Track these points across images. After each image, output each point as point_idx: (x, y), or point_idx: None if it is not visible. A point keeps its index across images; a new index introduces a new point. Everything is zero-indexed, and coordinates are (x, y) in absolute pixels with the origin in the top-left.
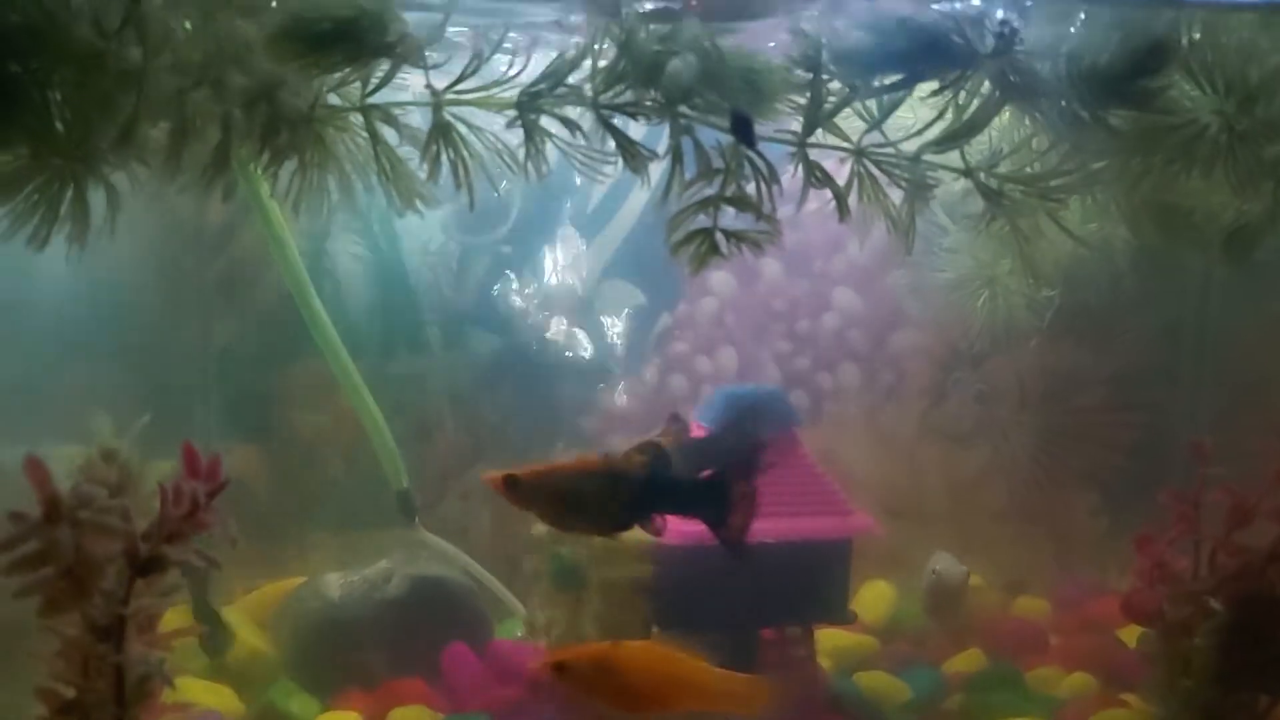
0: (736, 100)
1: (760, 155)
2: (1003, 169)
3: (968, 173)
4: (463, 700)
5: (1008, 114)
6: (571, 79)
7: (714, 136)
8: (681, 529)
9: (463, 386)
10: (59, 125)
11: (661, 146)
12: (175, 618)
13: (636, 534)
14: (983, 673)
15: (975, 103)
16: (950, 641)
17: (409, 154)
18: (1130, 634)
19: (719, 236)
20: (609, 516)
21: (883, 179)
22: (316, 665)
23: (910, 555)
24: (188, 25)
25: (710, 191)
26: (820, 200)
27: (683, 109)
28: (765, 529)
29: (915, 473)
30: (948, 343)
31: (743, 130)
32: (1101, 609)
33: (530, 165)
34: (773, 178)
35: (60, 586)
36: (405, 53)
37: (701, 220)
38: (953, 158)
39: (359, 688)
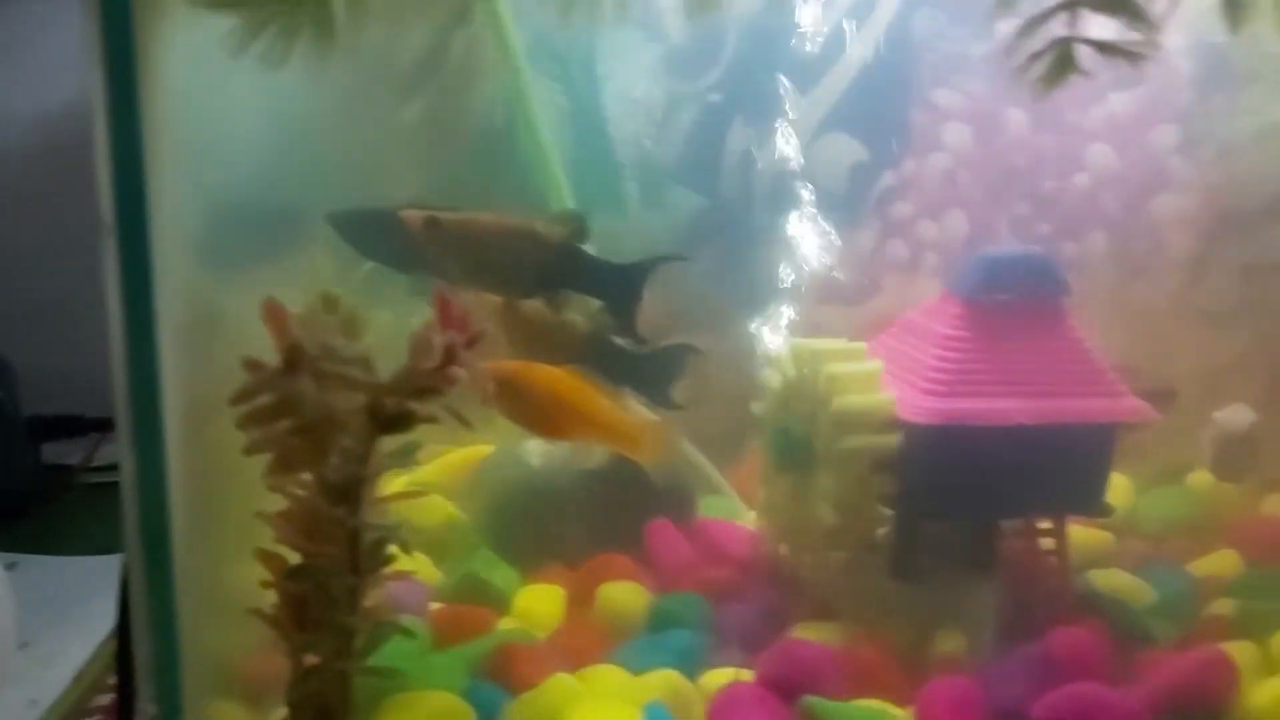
0: None
1: None
2: None
3: None
4: (672, 579)
5: None
6: None
7: None
8: (930, 407)
9: (663, 247)
10: None
11: None
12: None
13: (875, 406)
14: (1249, 577)
15: None
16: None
17: None
18: None
19: (1079, 47)
20: (518, 280)
21: None
22: (517, 536)
23: (1153, 447)
24: None
25: None
26: None
27: None
28: (1025, 409)
29: (1167, 354)
30: (1215, 208)
31: None
32: None
33: None
34: None
35: (296, 443)
36: None
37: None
38: None
39: (560, 561)
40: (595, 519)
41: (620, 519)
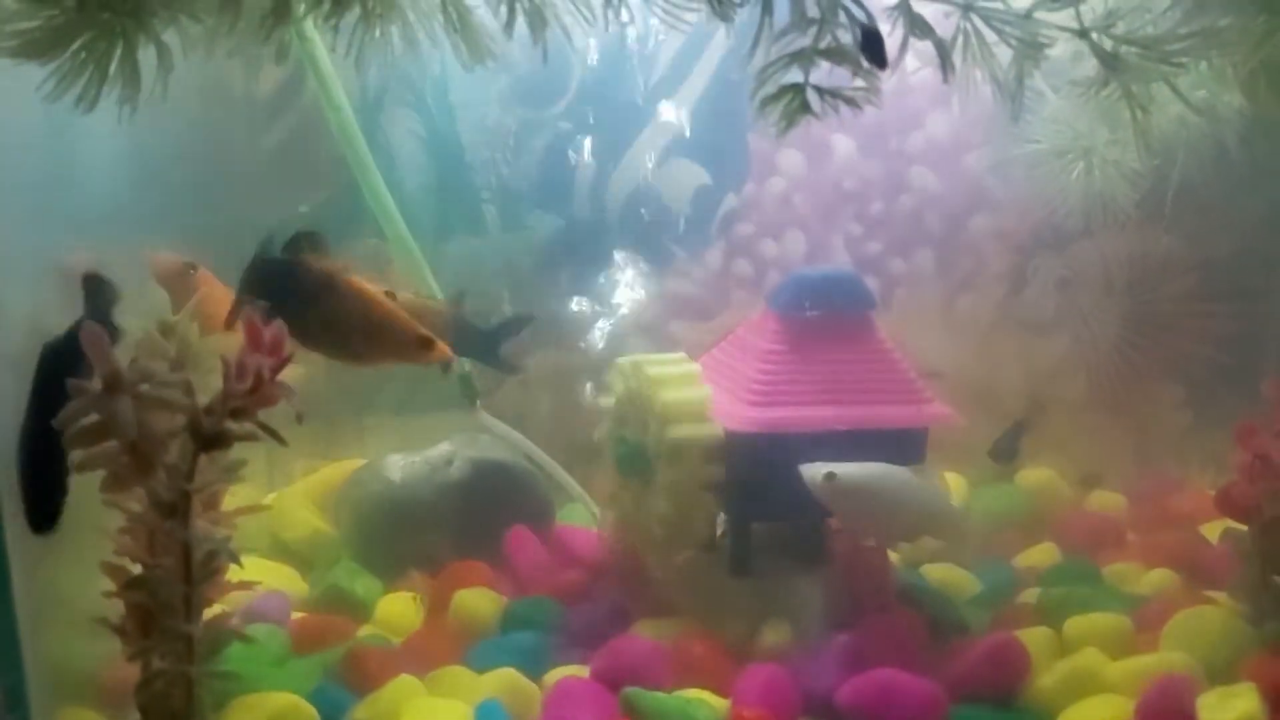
0: None
1: (867, 15)
2: (1119, 30)
3: (1083, 33)
4: (526, 584)
5: None
6: None
7: None
8: (752, 417)
9: (520, 268)
10: None
11: None
12: (237, 496)
13: (707, 419)
14: (1057, 567)
15: None
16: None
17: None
18: (1212, 530)
19: (811, 93)
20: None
21: (990, 37)
22: (379, 547)
23: (983, 447)
24: None
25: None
26: (904, 71)
27: None
28: (838, 416)
29: (991, 362)
30: (1030, 225)
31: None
32: (1183, 504)
33: (610, 14)
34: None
35: (123, 461)
36: None
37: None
38: (1066, 16)
39: (421, 570)
40: (456, 529)
41: (480, 528)
